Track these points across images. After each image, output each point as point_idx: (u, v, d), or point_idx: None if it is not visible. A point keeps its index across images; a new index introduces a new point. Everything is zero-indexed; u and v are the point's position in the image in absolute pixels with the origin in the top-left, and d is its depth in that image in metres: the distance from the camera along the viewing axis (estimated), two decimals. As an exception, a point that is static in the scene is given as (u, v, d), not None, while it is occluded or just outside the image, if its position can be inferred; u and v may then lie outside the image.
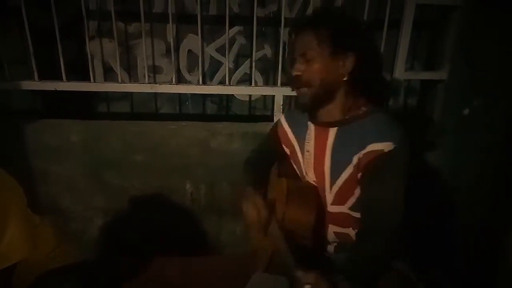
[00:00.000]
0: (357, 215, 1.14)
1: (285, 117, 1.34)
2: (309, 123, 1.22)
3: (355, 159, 1.08)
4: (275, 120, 1.84)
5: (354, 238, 1.17)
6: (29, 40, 1.64)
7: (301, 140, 1.25)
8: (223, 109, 2.06)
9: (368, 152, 1.05)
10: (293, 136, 1.29)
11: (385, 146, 1.03)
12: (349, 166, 1.10)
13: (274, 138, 1.35)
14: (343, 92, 1.12)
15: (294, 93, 1.83)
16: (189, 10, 1.85)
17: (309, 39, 1.08)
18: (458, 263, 1.72)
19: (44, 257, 1.17)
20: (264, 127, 1.85)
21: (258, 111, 2.08)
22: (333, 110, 1.14)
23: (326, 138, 1.15)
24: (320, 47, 1.07)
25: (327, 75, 1.09)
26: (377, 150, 1.04)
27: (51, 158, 1.77)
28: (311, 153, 1.20)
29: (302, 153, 1.25)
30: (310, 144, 1.21)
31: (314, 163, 1.20)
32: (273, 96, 1.84)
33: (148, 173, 1.82)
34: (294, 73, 1.11)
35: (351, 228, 1.18)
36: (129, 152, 1.79)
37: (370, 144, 1.05)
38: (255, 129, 1.83)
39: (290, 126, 1.31)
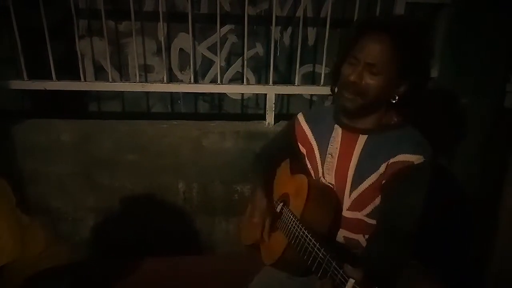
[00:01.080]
0: (372, 222, 1.14)
1: (304, 116, 1.31)
2: (336, 126, 1.19)
3: (382, 168, 1.08)
4: (267, 118, 1.85)
5: (363, 244, 1.16)
6: (17, 39, 1.62)
7: (322, 141, 1.23)
8: (215, 108, 2.06)
9: (397, 161, 1.06)
10: (312, 136, 1.26)
11: (415, 158, 1.04)
12: (375, 173, 1.10)
13: (290, 134, 1.33)
14: (385, 107, 1.12)
15: (286, 92, 1.88)
16: (180, 8, 1.84)
17: (385, 52, 1.02)
18: (450, 264, 1.73)
19: (35, 258, 1.15)
20: (256, 126, 1.86)
21: (251, 110, 2.08)
22: (367, 118, 1.13)
23: (354, 144, 1.14)
24: (392, 65, 1.03)
25: (382, 93, 1.06)
26: (407, 161, 1.05)
27: (41, 158, 1.75)
28: (335, 157, 1.19)
29: (322, 155, 1.23)
30: (334, 148, 1.19)
31: (336, 167, 1.18)
32: (265, 94, 1.84)
33: (140, 172, 1.81)
34: (354, 79, 1.05)
35: (362, 235, 1.18)
36: (121, 151, 1.78)
37: (400, 154, 1.06)
38: (247, 127, 1.83)
39: (310, 125, 1.28)
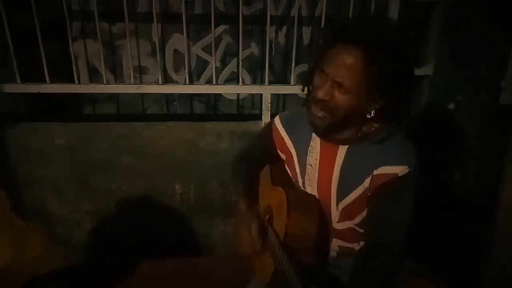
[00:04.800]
0: (363, 230, 1.11)
1: (281, 121, 1.22)
2: (314, 135, 1.12)
3: (366, 181, 1.04)
4: (263, 118, 1.84)
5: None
6: (9, 42, 1.60)
7: (301, 150, 1.16)
8: (211, 109, 2.05)
9: (381, 174, 1.01)
10: (290, 144, 1.20)
11: (399, 169, 0.99)
12: (360, 187, 1.06)
13: (268, 140, 1.25)
14: (361, 120, 1.03)
15: (282, 92, 1.88)
16: (174, 9, 1.83)
17: (355, 69, 0.92)
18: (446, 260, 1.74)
19: (31, 263, 1.14)
20: (253, 126, 1.86)
21: (246, 110, 2.07)
22: (344, 131, 1.06)
23: (335, 156, 1.09)
24: (363, 83, 0.93)
25: (354, 110, 0.97)
26: (391, 174, 1.00)
27: (36, 162, 1.74)
28: (315, 168, 1.13)
29: (301, 164, 1.17)
30: (313, 158, 1.13)
31: (318, 179, 1.13)
32: (261, 94, 1.84)
33: (136, 174, 1.80)
34: (322, 96, 0.96)
35: (356, 243, 1.15)
36: (116, 154, 1.77)
37: (384, 166, 1.01)
38: (243, 128, 1.82)
39: (287, 132, 1.20)
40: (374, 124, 1.02)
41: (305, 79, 1.07)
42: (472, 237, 1.79)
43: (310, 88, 1.04)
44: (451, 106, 1.72)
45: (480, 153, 1.76)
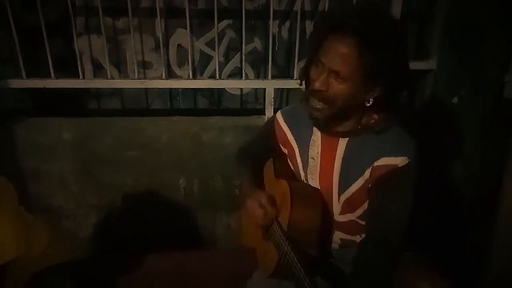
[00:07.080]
0: (364, 223, 1.13)
1: (283, 116, 1.24)
2: (315, 129, 1.14)
3: (367, 172, 1.06)
4: (266, 113, 1.85)
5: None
6: (15, 38, 1.61)
7: (302, 144, 1.18)
8: (215, 103, 2.06)
9: (381, 165, 1.03)
10: (292, 138, 1.22)
11: (399, 161, 1.01)
12: (361, 178, 1.07)
13: (270, 135, 1.27)
14: (360, 111, 1.05)
15: (285, 86, 1.88)
16: (178, 4, 1.84)
17: (350, 57, 0.93)
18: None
19: (38, 256, 1.16)
20: (256, 121, 1.86)
21: (250, 105, 2.08)
22: (344, 122, 1.08)
23: (336, 148, 1.10)
24: (359, 71, 0.94)
25: (352, 99, 0.99)
26: (390, 165, 1.02)
27: (43, 157, 1.76)
28: (317, 161, 1.15)
29: (303, 158, 1.19)
30: (314, 152, 1.15)
31: (320, 172, 1.15)
32: (264, 89, 1.84)
33: (141, 169, 1.82)
34: (319, 86, 0.98)
35: (358, 235, 1.17)
36: (121, 148, 1.78)
37: (384, 157, 1.02)
38: (246, 122, 1.83)
39: (289, 126, 1.22)
40: (374, 116, 1.05)
41: (303, 74, 1.09)
42: (473, 233, 1.79)
43: (309, 82, 1.05)
44: (455, 100, 1.71)
45: (483, 147, 1.75)
